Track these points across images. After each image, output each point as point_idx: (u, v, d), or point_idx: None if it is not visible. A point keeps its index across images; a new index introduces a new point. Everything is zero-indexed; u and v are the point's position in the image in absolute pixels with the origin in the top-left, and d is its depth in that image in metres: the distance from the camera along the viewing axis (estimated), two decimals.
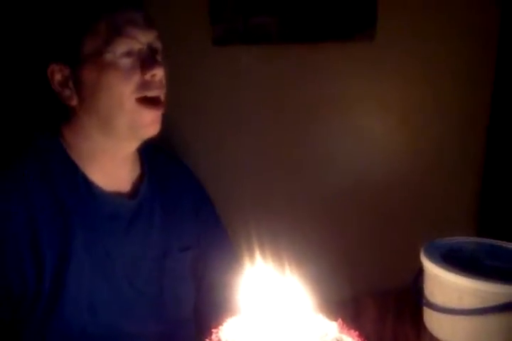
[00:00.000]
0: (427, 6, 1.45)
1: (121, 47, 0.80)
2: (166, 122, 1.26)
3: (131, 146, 0.89)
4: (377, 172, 1.44)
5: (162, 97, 0.85)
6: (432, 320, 0.86)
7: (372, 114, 1.45)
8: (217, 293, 0.94)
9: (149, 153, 0.95)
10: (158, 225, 0.91)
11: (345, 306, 0.89)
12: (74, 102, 0.83)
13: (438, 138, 1.54)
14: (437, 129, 1.53)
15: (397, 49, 1.44)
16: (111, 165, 0.88)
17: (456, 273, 0.78)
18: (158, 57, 0.84)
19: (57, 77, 0.83)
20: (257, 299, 0.60)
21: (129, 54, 0.81)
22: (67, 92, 0.83)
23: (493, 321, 0.78)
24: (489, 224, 1.60)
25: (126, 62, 0.81)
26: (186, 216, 0.96)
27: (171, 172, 0.98)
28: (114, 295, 0.86)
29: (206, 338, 0.59)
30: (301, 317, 0.60)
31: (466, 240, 0.92)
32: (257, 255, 0.63)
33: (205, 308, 0.99)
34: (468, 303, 0.78)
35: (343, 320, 0.60)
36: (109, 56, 0.80)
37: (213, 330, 0.59)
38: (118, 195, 0.89)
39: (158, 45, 0.85)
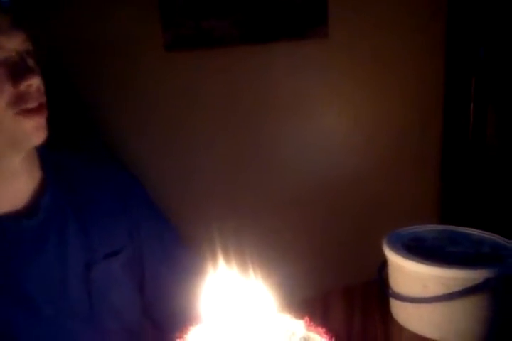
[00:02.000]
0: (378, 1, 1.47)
1: None
2: (119, 132, 1.26)
3: (15, 161, 0.78)
4: (337, 169, 1.45)
5: (43, 103, 0.76)
6: (400, 311, 0.87)
7: (329, 112, 1.47)
8: (176, 299, 0.89)
9: (55, 158, 0.86)
10: (75, 237, 0.82)
11: (312, 304, 0.89)
12: None
13: (395, 132, 1.56)
14: (393, 123, 1.55)
15: (350, 45, 1.45)
16: None
17: (419, 261, 0.79)
18: (31, 63, 0.74)
19: None
20: (220, 303, 0.59)
21: None
22: None
23: (459, 306, 0.79)
24: (451, 212, 1.63)
25: None
26: (110, 215, 0.87)
27: (85, 173, 0.89)
28: (40, 327, 0.79)
29: None
30: (267, 318, 0.59)
31: (427, 228, 0.93)
32: (220, 257, 0.61)
33: (164, 317, 0.94)
34: (432, 291, 0.79)
35: (310, 317, 0.60)
36: None
37: (177, 340, 0.58)
38: (13, 215, 0.78)
39: (28, 47, 0.74)
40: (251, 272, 0.61)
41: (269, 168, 1.44)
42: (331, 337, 0.60)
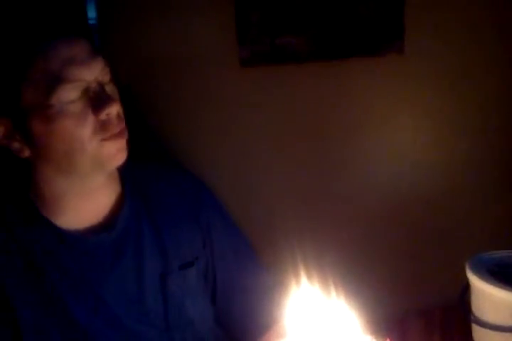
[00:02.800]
0: (455, 13, 1.41)
1: (65, 95, 0.72)
2: (195, 144, 1.28)
3: (99, 180, 0.82)
4: (417, 189, 1.42)
5: (124, 127, 0.79)
6: (483, 338, 0.83)
7: (406, 129, 1.43)
8: (258, 317, 0.89)
9: (132, 171, 0.88)
10: (151, 249, 0.85)
11: (391, 324, 0.87)
12: (26, 154, 0.77)
13: (475, 149, 1.50)
14: (473, 140, 1.49)
15: (427, 61, 1.42)
16: (79, 202, 0.82)
17: (507, 289, 0.75)
18: (109, 90, 0.77)
19: (1, 130, 0.76)
20: (304, 321, 0.59)
21: (75, 100, 0.73)
22: (15, 145, 0.77)
23: None
24: None
25: (74, 107, 0.73)
26: (185, 227, 0.89)
27: (161, 185, 0.91)
28: (115, 333, 0.82)
29: None
30: (350, 338, 0.58)
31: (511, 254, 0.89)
32: (302, 276, 0.62)
33: (246, 334, 0.93)
34: None
35: (390, 338, 0.59)
36: (53, 107, 0.72)
37: None
38: (95, 229, 0.83)
39: (106, 73, 0.76)
40: (333, 291, 0.61)
41: (351, 188, 1.42)
42: None
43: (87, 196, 0.82)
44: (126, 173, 0.87)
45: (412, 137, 1.44)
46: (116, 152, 0.78)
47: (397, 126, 1.43)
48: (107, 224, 0.83)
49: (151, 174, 0.92)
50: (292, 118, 1.37)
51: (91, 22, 1.19)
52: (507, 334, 0.77)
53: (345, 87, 1.38)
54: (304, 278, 0.61)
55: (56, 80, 0.71)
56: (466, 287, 0.85)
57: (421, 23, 1.39)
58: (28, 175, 0.82)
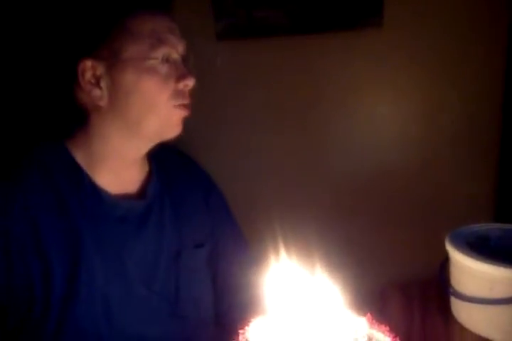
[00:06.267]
0: None
1: (163, 54, 0.82)
2: None
3: (147, 148, 0.89)
4: (394, 162, 1.42)
5: (189, 102, 0.88)
6: (461, 310, 0.84)
7: (383, 103, 1.43)
8: (240, 292, 0.93)
9: (156, 151, 0.93)
10: (170, 224, 0.91)
11: (371, 299, 0.87)
12: (103, 103, 0.82)
13: (452, 124, 1.51)
14: (451, 115, 1.50)
15: (406, 36, 1.40)
16: (120, 167, 0.87)
17: (486, 262, 0.76)
18: (189, 67, 0.86)
19: (88, 74, 0.81)
20: (283, 297, 0.59)
21: (167, 62, 0.82)
22: (97, 92, 0.81)
23: None
24: (508, 210, 1.57)
25: (165, 69, 0.82)
26: (198, 211, 0.96)
27: (179, 168, 0.98)
28: (129, 299, 0.85)
29: (233, 340, 0.57)
30: (329, 314, 0.58)
31: (490, 227, 0.90)
32: (282, 252, 0.61)
33: (228, 309, 0.98)
34: (500, 292, 0.75)
35: (370, 312, 0.58)
36: (151, 62, 0.81)
37: (239, 331, 0.57)
38: (126, 196, 0.88)
39: (188, 56, 0.87)
40: (314, 267, 0.60)
41: (329, 161, 1.42)
42: (395, 337, 0.58)
43: (127, 164, 0.88)
44: (153, 154, 0.93)
45: (392, 111, 1.43)
46: (179, 121, 0.86)
47: (376, 101, 1.42)
48: (137, 195, 0.90)
49: (171, 159, 0.98)
50: (269, 92, 1.35)
51: None
52: (484, 307, 0.78)
53: (323, 61, 1.36)
54: (283, 254, 0.60)
55: (159, 40, 0.81)
56: (446, 261, 0.86)
57: None
58: (81, 131, 0.86)
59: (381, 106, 1.42)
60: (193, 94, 1.26)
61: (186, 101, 0.85)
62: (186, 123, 0.87)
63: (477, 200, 1.53)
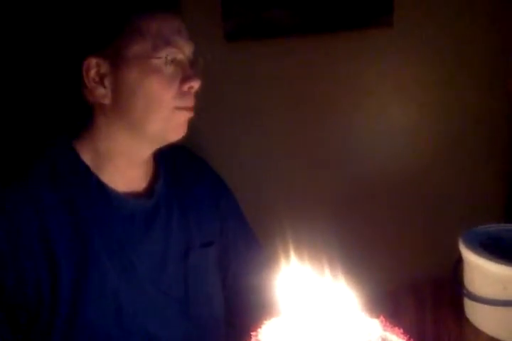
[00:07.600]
0: None
1: (166, 54, 0.81)
2: None
3: (153, 148, 0.88)
4: (406, 163, 1.41)
5: (193, 105, 0.87)
6: (475, 312, 0.83)
7: (393, 101, 1.42)
8: (254, 293, 0.92)
9: (167, 151, 0.93)
10: (178, 222, 0.91)
11: (383, 300, 0.86)
12: (106, 101, 0.82)
13: (462, 125, 1.50)
14: (461, 116, 1.49)
15: (415, 35, 1.40)
16: (127, 166, 0.87)
17: (500, 263, 0.75)
18: (195, 70, 0.85)
19: (92, 72, 0.81)
20: (296, 299, 0.58)
21: (173, 62, 0.82)
22: (100, 90, 0.81)
23: None
24: None
25: (170, 70, 0.81)
26: (206, 210, 0.95)
27: (190, 169, 0.97)
28: (139, 299, 0.85)
29: None
30: (343, 316, 0.57)
31: (504, 227, 0.89)
32: (293, 254, 0.60)
33: (241, 310, 0.97)
34: None
35: (383, 314, 0.58)
36: (156, 61, 0.80)
37: (252, 333, 0.57)
38: (133, 195, 0.88)
39: (197, 58, 0.86)
40: (327, 269, 0.59)
41: (338, 161, 1.42)
42: (409, 339, 0.58)
43: (133, 164, 0.88)
44: (160, 154, 0.92)
45: (400, 109, 1.43)
46: (182, 123, 0.84)
47: (385, 99, 1.42)
48: (144, 194, 0.89)
49: (182, 160, 0.98)
50: (278, 92, 1.35)
51: None
52: (498, 308, 0.78)
53: (332, 60, 1.36)
54: (295, 257, 0.60)
55: (165, 41, 0.80)
56: (459, 261, 0.85)
57: None
58: (88, 131, 0.86)
59: (389, 104, 1.42)
60: (202, 94, 1.27)
61: (190, 104, 0.84)
62: (195, 123, 0.87)
63: (487, 201, 1.52)
